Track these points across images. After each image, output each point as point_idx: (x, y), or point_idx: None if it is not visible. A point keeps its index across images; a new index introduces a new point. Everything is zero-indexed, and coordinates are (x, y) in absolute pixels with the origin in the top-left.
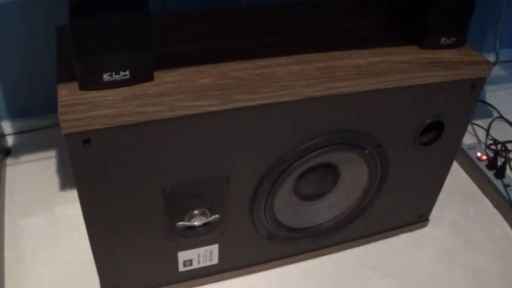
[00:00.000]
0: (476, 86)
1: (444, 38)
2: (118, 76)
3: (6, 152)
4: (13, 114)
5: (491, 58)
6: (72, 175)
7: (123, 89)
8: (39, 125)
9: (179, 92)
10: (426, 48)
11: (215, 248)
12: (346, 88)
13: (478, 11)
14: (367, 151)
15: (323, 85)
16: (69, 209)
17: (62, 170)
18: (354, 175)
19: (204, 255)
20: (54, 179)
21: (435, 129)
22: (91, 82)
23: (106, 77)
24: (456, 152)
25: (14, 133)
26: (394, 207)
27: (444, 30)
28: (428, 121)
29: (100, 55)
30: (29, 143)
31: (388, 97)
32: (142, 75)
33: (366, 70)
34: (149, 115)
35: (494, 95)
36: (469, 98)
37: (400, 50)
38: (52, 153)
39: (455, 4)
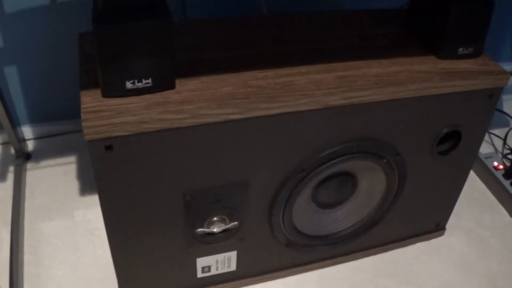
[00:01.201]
0: (493, 95)
1: (462, 48)
2: (140, 83)
3: (27, 157)
4: (34, 119)
5: (508, 67)
6: (92, 180)
7: (146, 96)
8: (58, 130)
9: (200, 100)
10: (443, 58)
11: (233, 254)
12: (365, 97)
13: (495, 20)
14: (385, 160)
15: (343, 94)
16: (88, 213)
17: (81, 175)
18: (372, 183)
19: (223, 262)
20: (73, 184)
21: (453, 138)
22: (114, 90)
23: (128, 84)
24: (473, 161)
25: (35, 138)
26: (411, 216)
27: (462, 40)
28: (445, 130)
29: (123, 63)
30: (49, 148)
31: (406, 106)
32: (164, 83)
33: (384, 79)
34: (170, 122)
35: (511, 104)
36: (486, 108)
37: (418, 60)
38: (71, 159)
39: (472, 14)
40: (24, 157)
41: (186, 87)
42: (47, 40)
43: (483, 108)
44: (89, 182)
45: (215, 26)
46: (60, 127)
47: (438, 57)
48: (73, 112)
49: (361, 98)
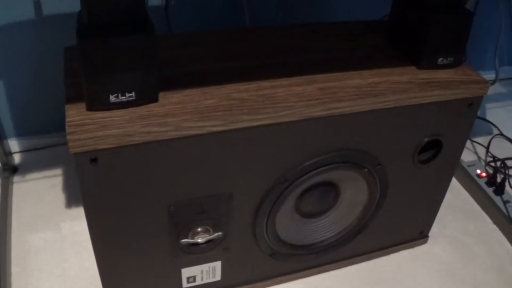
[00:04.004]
0: (473, 104)
1: (441, 59)
2: (124, 97)
3: (13, 170)
4: (20, 132)
5: (492, 76)
6: (79, 192)
7: (130, 109)
8: (45, 143)
9: (183, 113)
10: (424, 68)
11: (218, 264)
12: (346, 108)
13: (478, 29)
14: (366, 170)
15: (323, 105)
16: (75, 225)
17: (68, 188)
18: (354, 192)
19: (207, 272)
20: (60, 196)
21: (434, 147)
22: (98, 103)
23: (112, 98)
24: (455, 169)
25: (21, 151)
26: (394, 224)
27: (441, 50)
28: (426, 139)
29: (106, 77)
30: (36, 161)
31: (386, 117)
32: (147, 97)
33: (365, 90)
34: (154, 135)
35: (494, 113)
36: (467, 116)
37: (398, 71)
38: (58, 171)
39: (451, 25)
40: (11, 170)
41: (170, 100)
42: (33, 53)
43: (463, 117)
44: (75, 195)
45: (199, 39)
46: (46, 140)
47: (418, 68)
48: (60, 125)
49: (341, 109)
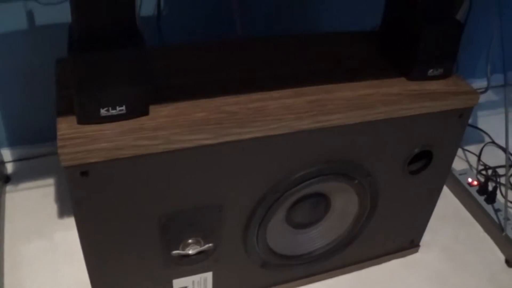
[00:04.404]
0: (463, 115)
1: (431, 70)
2: (114, 111)
3: (6, 179)
4: (13, 142)
5: (483, 83)
6: (70, 203)
7: (120, 123)
8: (38, 152)
9: (173, 126)
10: (413, 80)
11: (209, 275)
12: (335, 120)
13: (470, 37)
14: (356, 181)
15: (313, 118)
16: (68, 235)
17: (60, 197)
18: (345, 203)
19: (199, 283)
20: (53, 206)
21: (424, 157)
22: (89, 117)
23: (103, 112)
24: (446, 179)
25: (14, 161)
26: (385, 234)
27: (431, 61)
28: (416, 150)
29: (97, 91)
30: (29, 171)
31: (376, 128)
32: (138, 110)
33: (354, 102)
34: (145, 148)
35: (486, 121)
36: (457, 127)
37: (388, 82)
38: (51, 181)
39: (441, 36)
40: (3, 179)
41: (160, 113)
42: (26, 63)
43: (453, 127)
44: (68, 204)
45: (190, 51)
46: (39, 150)
47: (408, 79)
48: (52, 134)
49: (331, 122)
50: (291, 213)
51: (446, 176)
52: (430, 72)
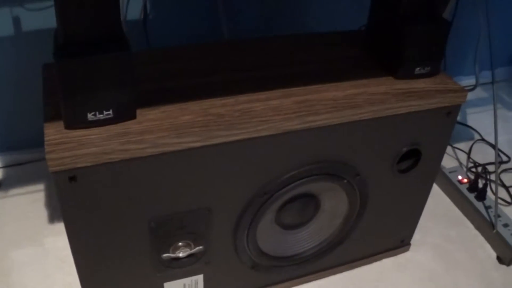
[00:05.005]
0: (451, 113)
1: (418, 68)
2: (101, 115)
3: None
4: (1, 148)
5: (471, 81)
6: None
7: (107, 127)
8: (27, 158)
9: (160, 130)
10: (401, 79)
11: (200, 278)
12: (323, 121)
13: (457, 35)
14: (345, 181)
15: (301, 119)
16: (58, 241)
17: (50, 203)
18: (334, 203)
19: (190, 285)
20: (43, 211)
21: (413, 156)
22: (76, 122)
23: (90, 116)
24: (435, 177)
25: (3, 167)
26: (375, 233)
27: (418, 60)
28: (404, 149)
29: (84, 96)
30: (18, 177)
31: (364, 128)
32: (125, 114)
33: (342, 103)
34: (132, 152)
35: (475, 118)
36: (445, 125)
37: (375, 81)
38: (40, 186)
39: (427, 35)
40: None
41: (147, 117)
42: (14, 69)
43: (441, 125)
44: (58, 210)
45: (177, 54)
46: (28, 156)
47: (395, 78)
48: (40, 140)
49: (319, 122)
50: (280, 215)
51: (436, 174)
52: (417, 70)
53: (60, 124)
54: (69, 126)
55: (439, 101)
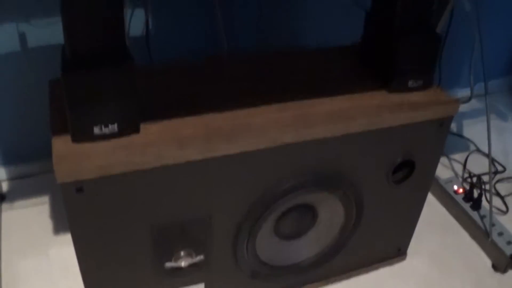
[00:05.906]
0: (444, 124)
1: (411, 81)
2: (107, 129)
3: (1, 198)
4: (7, 161)
5: (467, 92)
6: (66, 219)
7: (112, 141)
8: (32, 171)
9: (163, 143)
10: (394, 92)
11: (201, 287)
12: (318, 134)
13: (452, 47)
14: (341, 191)
15: (297, 132)
16: (63, 251)
17: (55, 215)
18: (331, 214)
19: None
20: (48, 223)
21: (407, 167)
22: (82, 135)
23: (96, 130)
24: (429, 187)
25: (9, 179)
26: (372, 242)
27: (411, 73)
28: (399, 160)
29: (90, 110)
30: (23, 189)
31: (358, 140)
32: (129, 128)
33: (336, 115)
34: (136, 164)
35: (471, 129)
36: (438, 136)
37: (369, 95)
38: (45, 199)
39: (420, 48)
40: None
41: (150, 130)
42: (20, 84)
43: (434, 136)
44: (62, 221)
45: (178, 69)
46: (33, 168)
47: (389, 91)
48: (46, 153)
49: (314, 135)
50: (279, 224)
51: (430, 184)
52: (410, 83)
53: (67, 138)
54: (76, 139)
55: (431, 113)
